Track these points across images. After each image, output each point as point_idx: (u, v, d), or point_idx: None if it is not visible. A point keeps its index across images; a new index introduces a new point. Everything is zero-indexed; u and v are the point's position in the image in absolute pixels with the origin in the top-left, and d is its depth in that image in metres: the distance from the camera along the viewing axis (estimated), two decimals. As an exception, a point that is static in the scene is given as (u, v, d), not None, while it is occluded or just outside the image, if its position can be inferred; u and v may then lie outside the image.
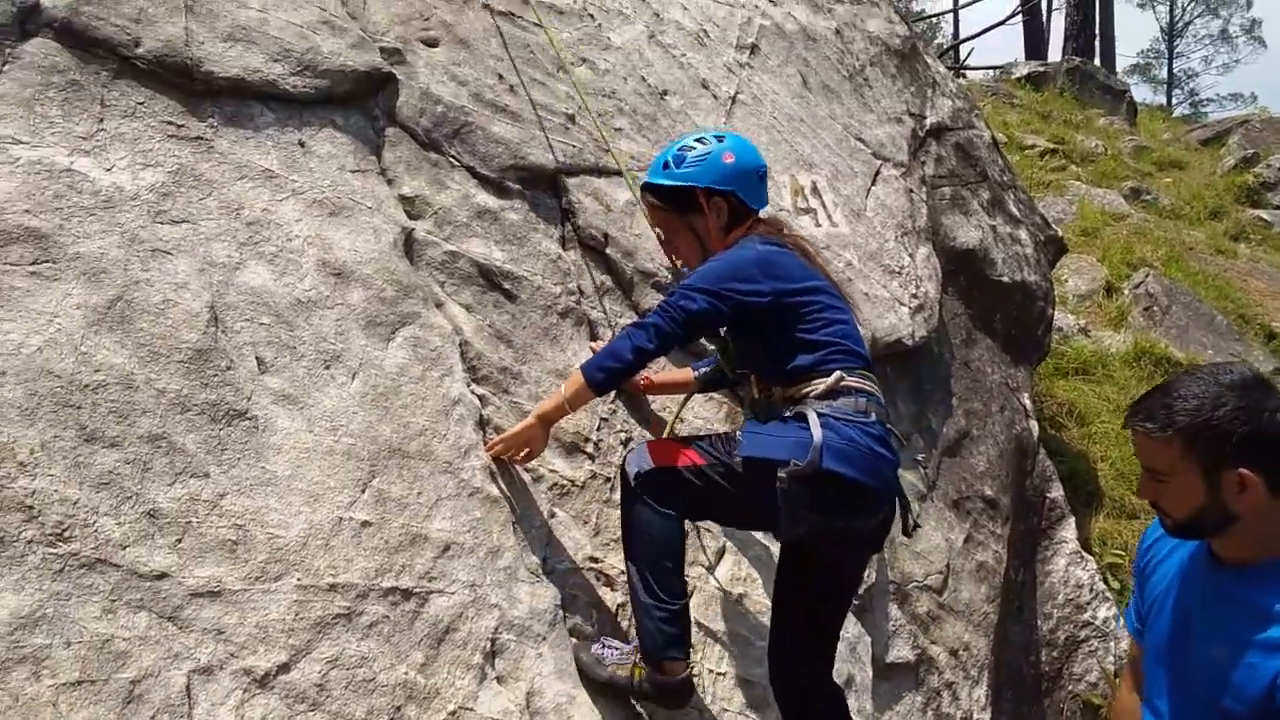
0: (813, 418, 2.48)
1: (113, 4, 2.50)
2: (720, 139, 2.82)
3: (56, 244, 2.21)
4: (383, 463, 2.50)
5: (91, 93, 2.41)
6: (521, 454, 2.71)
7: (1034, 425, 5.06)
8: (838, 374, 2.56)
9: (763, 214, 2.87)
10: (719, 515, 2.84)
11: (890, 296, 4.16)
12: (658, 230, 2.96)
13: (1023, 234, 5.39)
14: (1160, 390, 1.83)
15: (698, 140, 2.82)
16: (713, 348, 3.00)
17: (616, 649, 2.64)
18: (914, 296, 4.29)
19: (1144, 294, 8.56)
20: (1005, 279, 5.05)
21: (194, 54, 2.57)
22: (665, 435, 3.06)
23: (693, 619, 2.71)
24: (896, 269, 4.29)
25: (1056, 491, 5.20)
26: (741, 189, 2.78)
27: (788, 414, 2.55)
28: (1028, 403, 5.08)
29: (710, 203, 2.78)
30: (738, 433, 2.60)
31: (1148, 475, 1.85)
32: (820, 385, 2.56)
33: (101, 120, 2.40)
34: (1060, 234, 6.24)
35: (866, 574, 3.54)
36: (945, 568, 4.02)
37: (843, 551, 2.66)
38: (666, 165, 2.81)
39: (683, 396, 3.15)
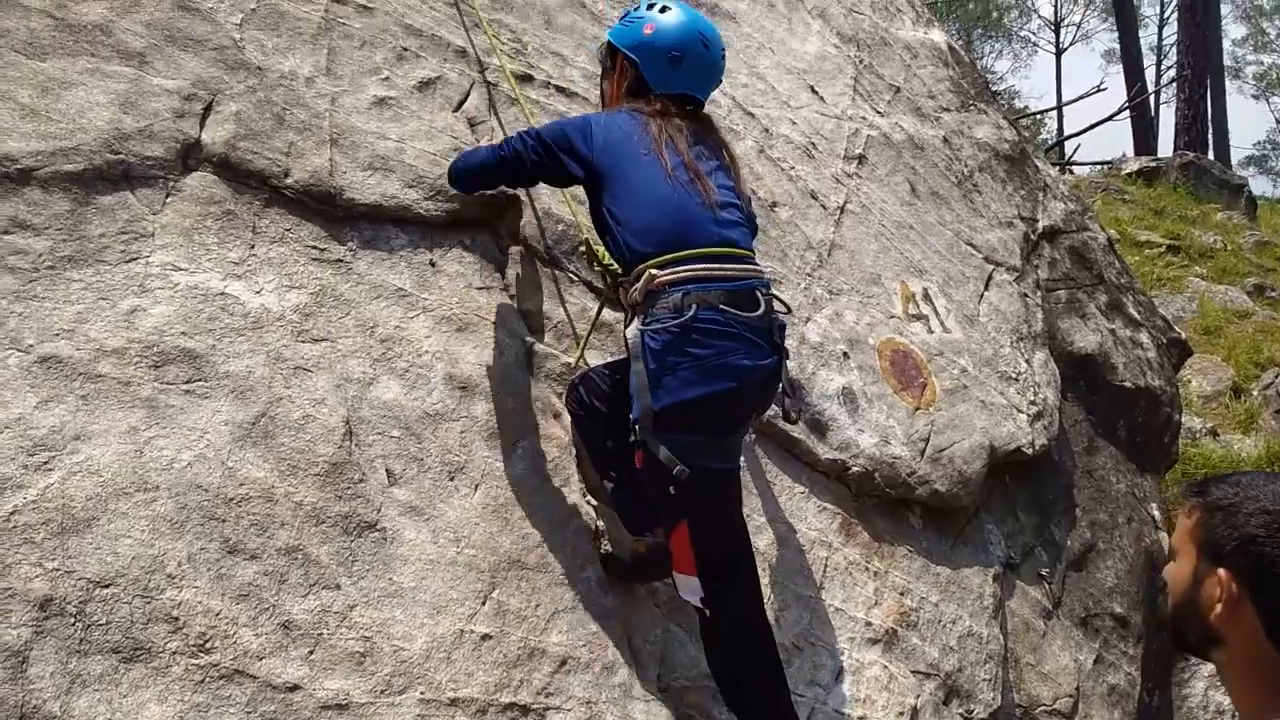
0: (633, 348, 2.35)
1: (265, 139, 2.69)
2: (665, 9, 2.65)
3: (209, 363, 2.35)
4: (503, 574, 2.54)
5: (244, 220, 2.59)
6: None
7: (1164, 537, 4.81)
8: (648, 274, 2.38)
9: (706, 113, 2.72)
10: (729, 526, 2.59)
11: (1007, 404, 4.07)
12: None
13: (1144, 337, 5.22)
14: (1240, 472, 1.50)
15: (648, 4, 2.69)
16: None
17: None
18: (1032, 403, 4.19)
19: (1275, 395, 8.13)
20: (1127, 384, 4.89)
21: (337, 183, 2.74)
22: (576, 360, 2.95)
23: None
24: (1013, 375, 4.21)
25: (1191, 608, 4.90)
26: (645, 63, 2.63)
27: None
28: (1156, 513, 4.85)
29: (618, 63, 2.70)
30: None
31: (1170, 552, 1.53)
32: (637, 293, 2.39)
33: (253, 246, 2.57)
34: (1183, 336, 6.02)
35: (992, 697, 3.39)
36: (1075, 691, 3.81)
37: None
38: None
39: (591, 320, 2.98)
